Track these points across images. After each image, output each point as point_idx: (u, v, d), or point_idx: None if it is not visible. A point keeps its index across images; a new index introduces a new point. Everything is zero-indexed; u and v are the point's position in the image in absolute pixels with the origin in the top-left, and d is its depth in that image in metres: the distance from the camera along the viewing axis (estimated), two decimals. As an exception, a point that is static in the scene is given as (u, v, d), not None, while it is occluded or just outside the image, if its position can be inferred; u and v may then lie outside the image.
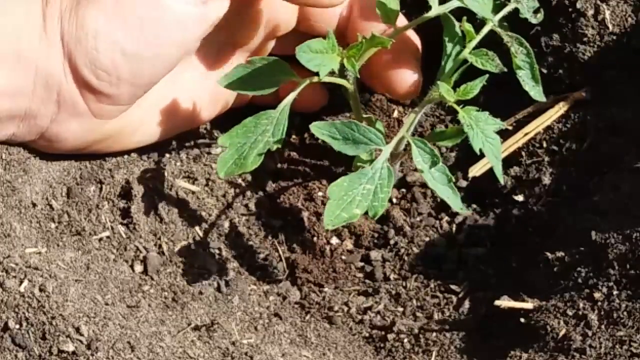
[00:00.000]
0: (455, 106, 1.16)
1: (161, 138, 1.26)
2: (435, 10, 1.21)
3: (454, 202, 1.15)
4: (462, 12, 1.22)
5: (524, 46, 1.20)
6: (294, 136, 1.35)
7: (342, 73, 1.20)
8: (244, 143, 1.17)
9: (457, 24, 1.24)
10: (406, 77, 1.26)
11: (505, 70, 1.19)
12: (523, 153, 1.32)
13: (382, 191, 1.14)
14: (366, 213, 1.13)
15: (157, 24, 1.13)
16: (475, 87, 1.17)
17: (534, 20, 1.26)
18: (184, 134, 1.30)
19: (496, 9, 1.23)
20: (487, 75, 1.17)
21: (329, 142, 1.15)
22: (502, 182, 1.18)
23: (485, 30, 1.20)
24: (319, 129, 1.15)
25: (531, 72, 1.21)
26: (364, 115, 1.27)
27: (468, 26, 1.19)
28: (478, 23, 1.22)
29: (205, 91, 1.25)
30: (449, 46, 1.24)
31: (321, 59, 1.16)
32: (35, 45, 1.13)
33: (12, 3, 1.13)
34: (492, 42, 1.21)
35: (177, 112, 1.24)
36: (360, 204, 1.13)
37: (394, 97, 1.32)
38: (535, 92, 1.22)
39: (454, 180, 1.15)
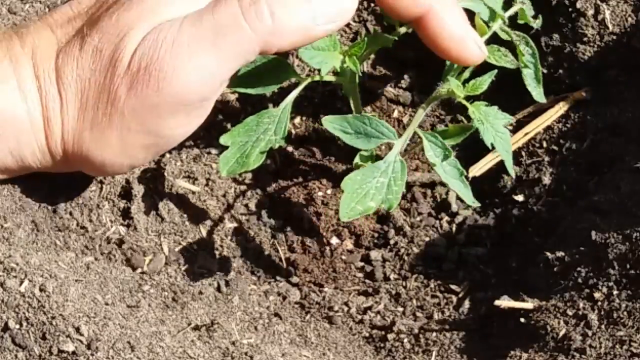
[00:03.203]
0: (465, 102, 1.16)
1: None
2: None
3: (466, 195, 1.15)
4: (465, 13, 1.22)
5: (530, 46, 1.21)
6: (294, 136, 1.35)
7: (344, 71, 1.20)
8: (246, 142, 1.17)
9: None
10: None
11: (521, 65, 1.19)
12: (523, 153, 1.32)
13: (396, 184, 1.14)
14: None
15: (162, 148, 1.14)
16: (484, 82, 1.17)
17: (533, 25, 1.26)
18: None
19: (503, 8, 1.23)
20: (495, 71, 1.17)
21: (341, 136, 1.15)
22: (512, 175, 1.19)
23: (495, 26, 1.20)
24: (331, 123, 1.15)
25: (535, 72, 1.21)
26: (365, 115, 1.26)
27: (480, 21, 1.19)
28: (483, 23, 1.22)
29: None
30: None
31: (323, 57, 1.16)
32: (38, 155, 1.12)
33: (15, 109, 1.10)
34: (492, 43, 1.21)
35: None
36: (374, 197, 1.13)
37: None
38: (537, 93, 1.22)
39: (465, 173, 1.15)
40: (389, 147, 1.15)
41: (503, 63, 1.18)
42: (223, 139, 1.17)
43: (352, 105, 1.24)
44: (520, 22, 1.25)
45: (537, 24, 1.27)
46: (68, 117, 1.11)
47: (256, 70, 1.19)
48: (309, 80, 1.18)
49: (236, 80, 1.19)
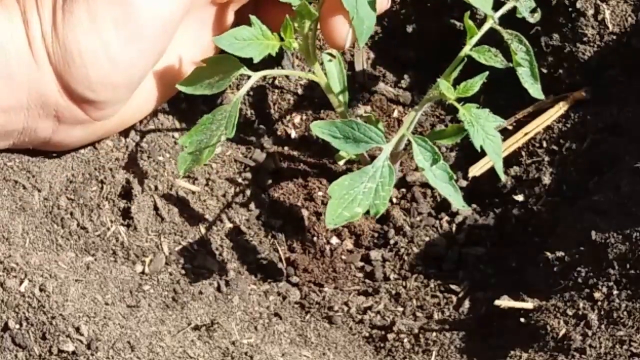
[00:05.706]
0: (456, 104, 1.16)
1: (161, 103, 1.26)
2: None
3: (456, 199, 1.14)
4: (461, 13, 1.22)
5: (523, 44, 1.20)
6: (294, 135, 1.35)
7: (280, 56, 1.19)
8: (202, 139, 1.17)
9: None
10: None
11: (511, 65, 1.18)
12: (523, 153, 1.32)
13: (384, 189, 1.13)
14: (367, 212, 1.13)
15: (134, 25, 1.14)
16: (475, 84, 1.17)
17: (531, 20, 1.26)
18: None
19: (495, 7, 1.23)
20: (487, 72, 1.17)
21: (330, 140, 1.15)
22: (503, 179, 1.18)
23: (486, 26, 1.20)
24: (320, 128, 1.15)
25: (530, 69, 1.21)
26: (364, 114, 1.27)
27: (470, 22, 1.19)
28: (477, 23, 1.22)
29: (198, 49, 1.24)
30: None
31: (255, 46, 1.16)
32: (24, 66, 1.14)
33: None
34: (488, 42, 1.21)
35: (175, 75, 1.24)
36: (361, 203, 1.13)
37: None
38: (534, 89, 1.22)
39: (455, 177, 1.15)
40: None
41: (493, 63, 1.18)
42: (181, 140, 1.17)
43: (331, 101, 1.24)
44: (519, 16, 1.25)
45: (535, 18, 1.26)
46: (44, 11, 1.14)
47: (208, 71, 1.18)
48: (261, 74, 1.17)
49: (193, 83, 1.19)
